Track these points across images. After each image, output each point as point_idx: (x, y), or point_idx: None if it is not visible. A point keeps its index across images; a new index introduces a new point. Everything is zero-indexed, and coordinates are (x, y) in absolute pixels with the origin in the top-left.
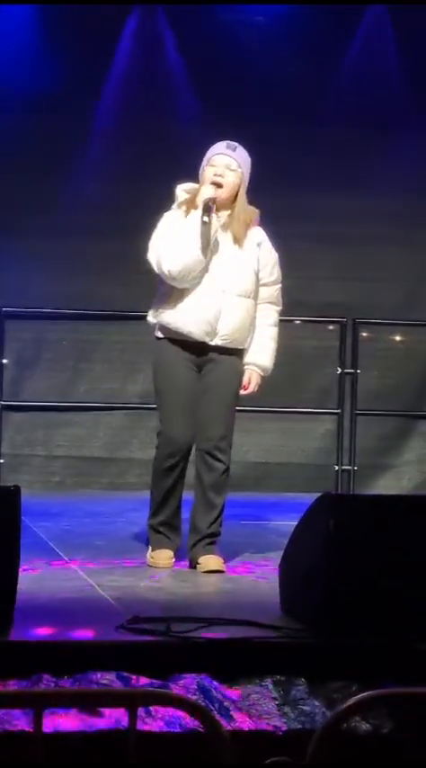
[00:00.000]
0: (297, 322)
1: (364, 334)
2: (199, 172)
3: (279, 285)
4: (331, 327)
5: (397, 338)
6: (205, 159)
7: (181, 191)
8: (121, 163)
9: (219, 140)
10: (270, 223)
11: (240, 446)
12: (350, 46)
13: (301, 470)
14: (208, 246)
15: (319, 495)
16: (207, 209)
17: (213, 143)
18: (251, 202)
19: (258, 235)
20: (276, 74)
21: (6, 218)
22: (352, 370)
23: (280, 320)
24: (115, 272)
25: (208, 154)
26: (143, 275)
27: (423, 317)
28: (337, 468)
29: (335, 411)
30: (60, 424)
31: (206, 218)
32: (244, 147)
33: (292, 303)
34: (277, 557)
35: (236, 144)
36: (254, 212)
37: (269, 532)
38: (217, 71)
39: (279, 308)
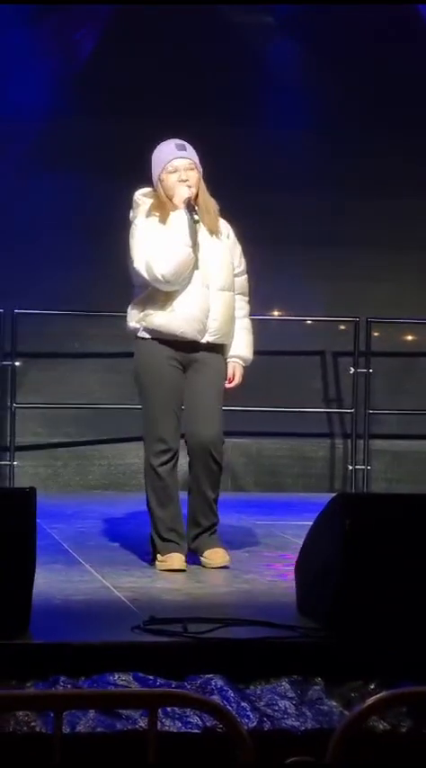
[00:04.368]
0: (309, 321)
1: (376, 334)
2: (154, 178)
3: (246, 276)
4: (343, 327)
5: (409, 337)
6: (157, 165)
7: (142, 196)
8: (114, 161)
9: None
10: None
11: (254, 446)
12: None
13: (316, 470)
14: (196, 244)
15: (334, 494)
16: (191, 208)
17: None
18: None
19: (226, 227)
20: (280, 76)
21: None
22: (365, 370)
23: (294, 319)
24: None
25: (161, 160)
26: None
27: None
28: (350, 467)
29: (349, 411)
30: (65, 423)
31: (197, 217)
32: (254, 148)
33: (305, 303)
34: (292, 556)
35: (183, 141)
36: (215, 202)
37: (284, 532)
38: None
39: (248, 298)
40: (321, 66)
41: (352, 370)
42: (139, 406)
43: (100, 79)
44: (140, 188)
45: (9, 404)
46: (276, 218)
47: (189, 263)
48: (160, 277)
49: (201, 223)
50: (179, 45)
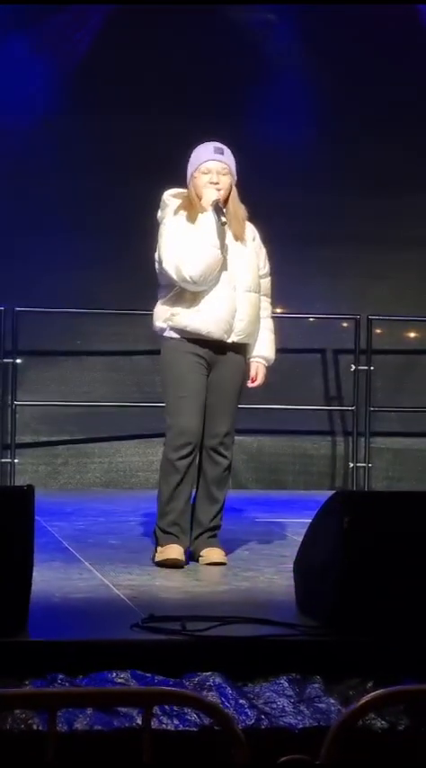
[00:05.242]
0: (310, 319)
1: (377, 331)
2: (188, 176)
3: (270, 278)
4: (345, 324)
5: (410, 335)
6: (192, 165)
7: (170, 197)
8: (115, 160)
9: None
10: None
11: (255, 444)
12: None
13: (316, 468)
14: (223, 246)
15: (333, 492)
16: (220, 211)
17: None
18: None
19: (252, 230)
20: (282, 72)
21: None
22: (366, 367)
23: (294, 317)
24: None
25: (196, 159)
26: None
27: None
28: (351, 465)
29: (350, 408)
30: (65, 421)
31: (224, 220)
32: (256, 144)
33: (306, 300)
34: (292, 554)
35: (222, 146)
36: (245, 208)
37: (283, 530)
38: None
39: (271, 299)
40: (322, 65)
41: (353, 367)
42: (140, 404)
43: (99, 77)
44: (168, 188)
45: (10, 401)
46: (276, 216)
47: (216, 265)
48: (189, 278)
49: (229, 227)
50: (178, 44)
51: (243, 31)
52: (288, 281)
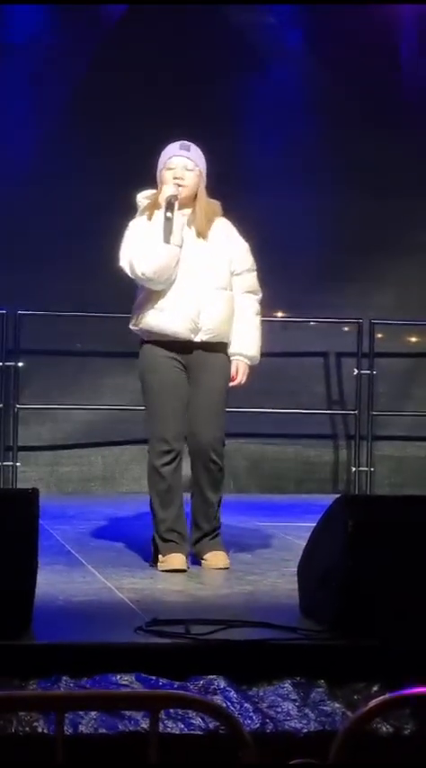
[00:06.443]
0: (312, 323)
1: (379, 336)
2: (157, 175)
3: (254, 273)
4: (347, 328)
5: (413, 339)
6: (160, 162)
7: (142, 198)
8: (115, 167)
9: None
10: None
11: (257, 448)
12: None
13: (319, 473)
14: (174, 241)
15: (337, 496)
16: (169, 206)
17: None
18: (212, 196)
19: (225, 226)
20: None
21: (16, 223)
22: (369, 371)
23: (297, 321)
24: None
25: (163, 157)
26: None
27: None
28: (354, 469)
29: (352, 412)
30: (67, 425)
31: (169, 214)
32: (257, 148)
33: (308, 304)
34: (295, 558)
35: (189, 143)
36: (216, 204)
37: (287, 534)
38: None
39: (259, 296)
40: (322, 66)
41: (356, 371)
42: (142, 408)
43: (100, 87)
44: (142, 191)
45: (12, 404)
46: (279, 220)
47: (170, 260)
48: (141, 275)
49: (192, 225)
50: (177, 47)
51: (243, 34)
52: (290, 286)
